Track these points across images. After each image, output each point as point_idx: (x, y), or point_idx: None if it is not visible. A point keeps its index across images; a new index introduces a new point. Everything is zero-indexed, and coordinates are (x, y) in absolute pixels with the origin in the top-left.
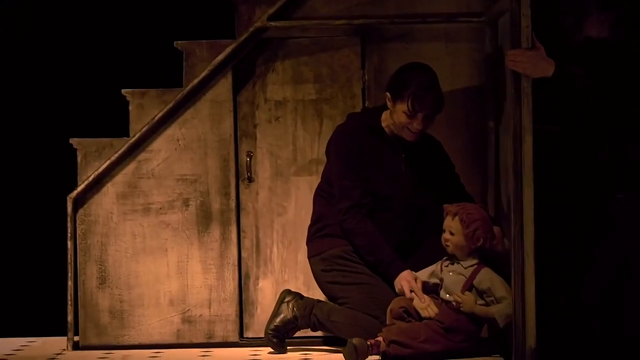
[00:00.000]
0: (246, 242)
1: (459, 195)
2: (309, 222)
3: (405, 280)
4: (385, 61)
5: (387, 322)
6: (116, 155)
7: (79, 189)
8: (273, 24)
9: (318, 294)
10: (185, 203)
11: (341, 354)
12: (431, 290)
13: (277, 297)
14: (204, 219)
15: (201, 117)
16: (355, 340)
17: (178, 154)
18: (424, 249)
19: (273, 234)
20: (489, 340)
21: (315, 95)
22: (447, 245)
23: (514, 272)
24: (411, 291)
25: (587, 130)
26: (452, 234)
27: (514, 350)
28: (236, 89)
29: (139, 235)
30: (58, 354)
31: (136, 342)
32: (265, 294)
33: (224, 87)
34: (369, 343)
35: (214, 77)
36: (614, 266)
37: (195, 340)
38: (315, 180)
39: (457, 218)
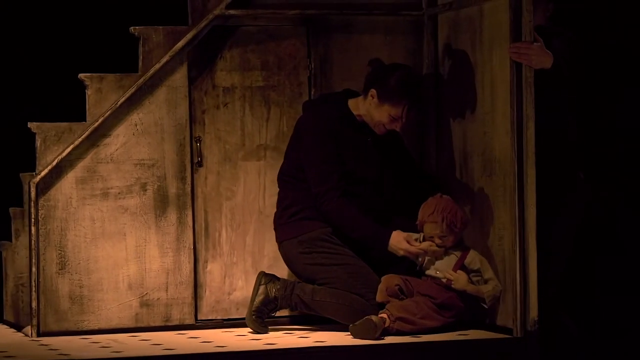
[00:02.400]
0: (195, 226)
1: (417, 173)
2: (256, 206)
3: (402, 239)
4: (330, 51)
5: (379, 299)
6: (80, 139)
7: (42, 173)
8: (231, 12)
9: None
10: (143, 187)
11: (318, 332)
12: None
13: (225, 277)
14: (161, 203)
15: (158, 102)
16: (374, 318)
17: (136, 138)
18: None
19: (222, 218)
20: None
21: (262, 83)
22: (443, 246)
23: (518, 248)
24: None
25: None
26: (443, 236)
27: (517, 322)
28: (190, 75)
29: (98, 220)
30: (39, 341)
31: (96, 327)
32: (214, 277)
33: (179, 73)
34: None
35: (173, 63)
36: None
37: (153, 324)
38: (263, 165)
39: (444, 224)
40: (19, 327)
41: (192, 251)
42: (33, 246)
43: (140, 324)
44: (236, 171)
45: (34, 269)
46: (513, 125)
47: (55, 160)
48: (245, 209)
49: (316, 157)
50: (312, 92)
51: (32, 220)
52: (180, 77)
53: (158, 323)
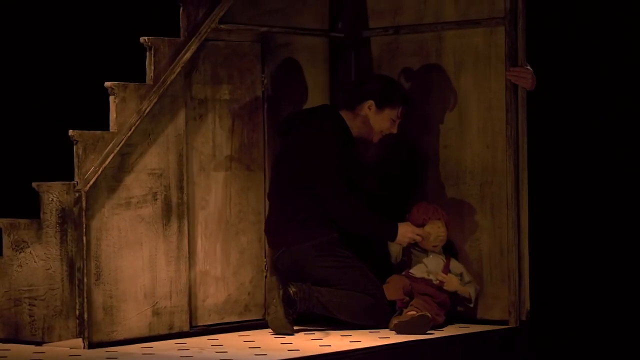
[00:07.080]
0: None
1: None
2: (224, 215)
3: (410, 233)
4: (278, 67)
5: (393, 297)
6: (118, 147)
7: (91, 182)
8: (222, 26)
9: (231, 282)
10: (154, 197)
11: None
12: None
13: (200, 285)
14: (167, 212)
15: (164, 112)
16: (427, 313)
17: (149, 148)
18: None
19: (198, 227)
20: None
21: (228, 96)
22: (437, 245)
23: (518, 246)
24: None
25: None
26: (441, 236)
27: (512, 312)
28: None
29: (122, 229)
30: (111, 354)
31: (121, 338)
32: (192, 284)
33: (180, 84)
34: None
35: (178, 74)
36: None
37: (160, 332)
38: (230, 175)
39: (442, 221)
40: (28, 343)
41: (188, 259)
42: (84, 256)
43: (152, 333)
44: (209, 181)
45: (85, 280)
46: (510, 140)
47: (101, 169)
48: (216, 218)
49: (330, 164)
50: (265, 106)
51: (84, 229)
52: (180, 88)
53: (165, 331)
